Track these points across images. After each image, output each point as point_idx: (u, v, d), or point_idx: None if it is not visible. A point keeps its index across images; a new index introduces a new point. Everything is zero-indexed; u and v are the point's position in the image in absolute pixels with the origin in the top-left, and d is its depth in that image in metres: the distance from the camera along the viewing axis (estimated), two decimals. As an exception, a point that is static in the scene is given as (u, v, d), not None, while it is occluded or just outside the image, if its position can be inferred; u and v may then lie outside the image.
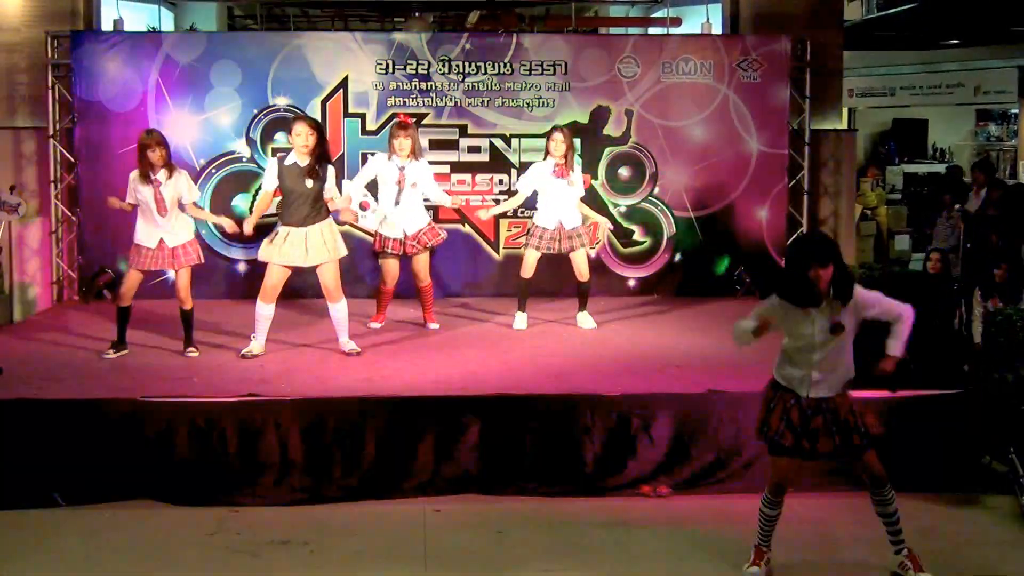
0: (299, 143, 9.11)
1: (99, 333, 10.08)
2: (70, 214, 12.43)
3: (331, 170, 9.29)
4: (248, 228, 9.36)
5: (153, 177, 9.13)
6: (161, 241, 9.22)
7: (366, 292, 11.54)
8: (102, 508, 7.46)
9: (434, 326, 10.57)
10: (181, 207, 9.31)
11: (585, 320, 10.68)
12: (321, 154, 9.17)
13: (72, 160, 12.34)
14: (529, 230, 10.56)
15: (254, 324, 9.33)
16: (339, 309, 9.35)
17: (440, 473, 7.75)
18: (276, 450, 7.71)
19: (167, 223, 9.21)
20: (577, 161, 10.73)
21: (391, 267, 10.36)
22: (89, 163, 12.13)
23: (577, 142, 12.20)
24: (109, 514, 7.38)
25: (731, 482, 7.81)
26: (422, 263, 10.37)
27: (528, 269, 10.52)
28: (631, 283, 12.75)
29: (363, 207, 11.47)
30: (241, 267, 12.37)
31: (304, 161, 9.12)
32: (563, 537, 7.02)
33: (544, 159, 10.46)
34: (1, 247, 12.36)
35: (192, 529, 7.12)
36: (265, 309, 9.26)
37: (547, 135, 10.53)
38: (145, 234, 9.25)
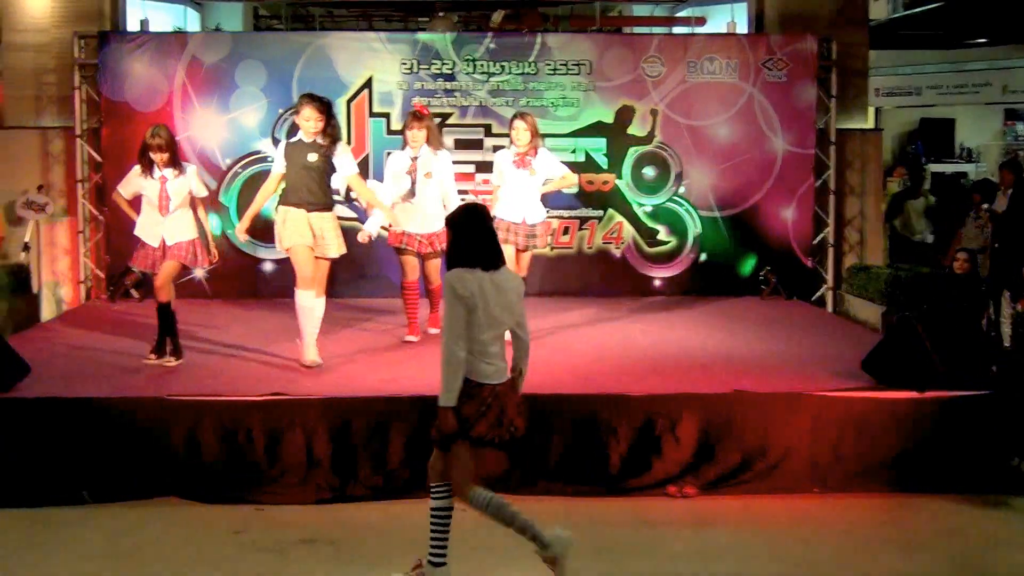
0: (307, 128, 8.69)
1: (126, 332, 10.12)
2: (97, 213, 12.49)
3: (343, 149, 8.86)
4: (240, 231, 8.97)
5: (159, 173, 8.87)
6: (162, 240, 8.91)
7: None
8: (129, 506, 7.49)
9: (435, 331, 9.88)
10: (194, 205, 9.05)
11: None
12: (330, 134, 8.73)
13: (99, 160, 12.39)
14: (496, 223, 9.76)
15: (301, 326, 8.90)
16: (320, 306, 8.83)
17: (465, 473, 7.72)
18: (302, 449, 7.71)
19: (168, 221, 8.90)
20: (547, 152, 9.87)
21: (411, 261, 9.85)
22: (116, 163, 12.12)
23: (602, 141, 12.25)
24: (136, 512, 7.41)
25: (757, 483, 7.77)
26: (435, 266, 9.89)
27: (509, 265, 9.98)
28: (656, 283, 12.74)
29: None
30: (267, 267, 12.39)
31: (309, 139, 8.72)
32: (589, 537, 6.99)
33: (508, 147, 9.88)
34: (29, 246, 12.43)
35: (218, 527, 7.14)
36: (305, 299, 8.76)
37: (509, 122, 9.85)
38: (147, 230, 8.97)
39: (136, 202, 9.08)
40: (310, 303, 8.78)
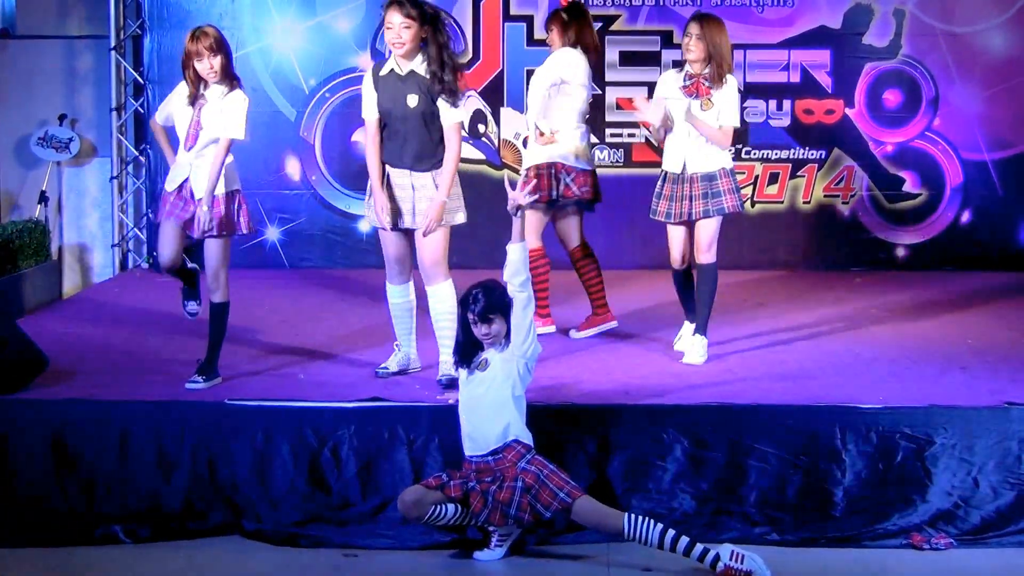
0: (391, 39, 8.06)
1: (173, 312, 10.29)
2: (137, 153, 12.71)
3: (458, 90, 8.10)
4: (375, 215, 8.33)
5: (200, 93, 8.23)
6: (185, 185, 8.30)
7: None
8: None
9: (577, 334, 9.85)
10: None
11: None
12: (433, 59, 8.02)
13: (140, 80, 12.62)
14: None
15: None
16: (441, 294, 8.24)
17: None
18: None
19: (196, 160, 8.22)
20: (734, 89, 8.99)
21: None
22: (165, 84, 12.12)
23: (826, 54, 12.19)
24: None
25: (1039, 534, 7.69)
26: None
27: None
28: (899, 252, 12.64)
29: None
30: (364, 227, 12.48)
31: (404, 68, 8.15)
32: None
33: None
34: (48, 196, 12.68)
35: None
36: (393, 294, 8.53)
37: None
38: (173, 172, 8.43)
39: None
40: (396, 298, 8.53)
